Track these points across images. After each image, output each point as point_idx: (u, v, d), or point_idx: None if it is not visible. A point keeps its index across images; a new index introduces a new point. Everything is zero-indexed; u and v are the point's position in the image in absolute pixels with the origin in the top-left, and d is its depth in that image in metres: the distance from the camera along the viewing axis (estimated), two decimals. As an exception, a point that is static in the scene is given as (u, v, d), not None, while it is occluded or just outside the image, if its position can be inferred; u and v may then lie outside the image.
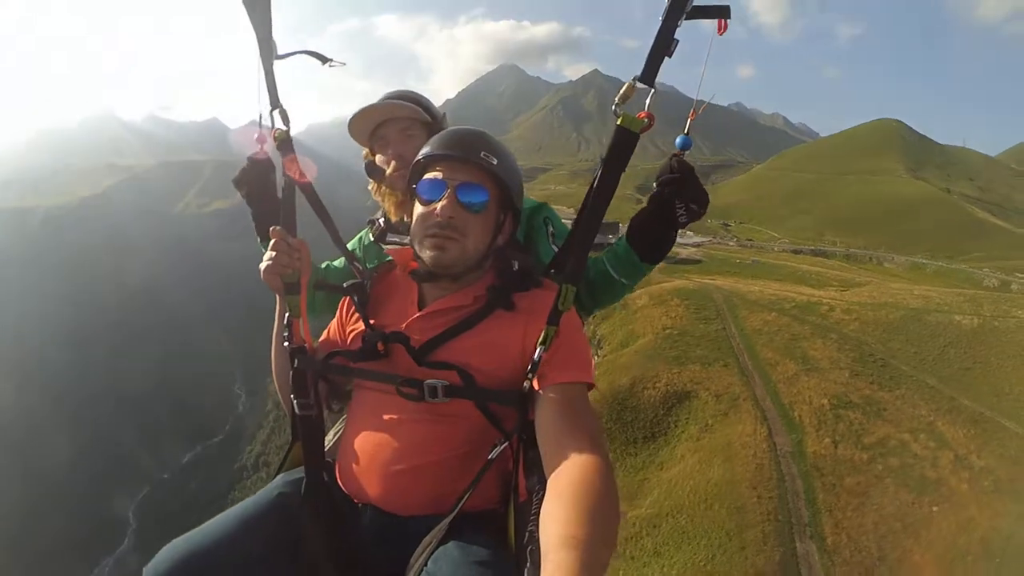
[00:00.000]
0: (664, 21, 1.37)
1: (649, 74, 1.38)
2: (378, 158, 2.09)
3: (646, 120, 1.41)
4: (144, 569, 1.37)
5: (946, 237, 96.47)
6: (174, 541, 1.42)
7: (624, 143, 1.42)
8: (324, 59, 1.77)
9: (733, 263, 52.04)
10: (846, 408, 22.00)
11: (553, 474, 1.20)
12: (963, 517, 16.72)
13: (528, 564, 1.25)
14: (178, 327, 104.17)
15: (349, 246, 2.17)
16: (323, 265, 2.17)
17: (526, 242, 2.00)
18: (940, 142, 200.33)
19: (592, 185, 1.48)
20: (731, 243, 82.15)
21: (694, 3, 1.35)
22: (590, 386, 1.42)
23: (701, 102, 1.54)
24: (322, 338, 1.72)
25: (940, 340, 26.48)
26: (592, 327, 37.43)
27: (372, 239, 2.15)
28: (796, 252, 78.40)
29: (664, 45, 1.37)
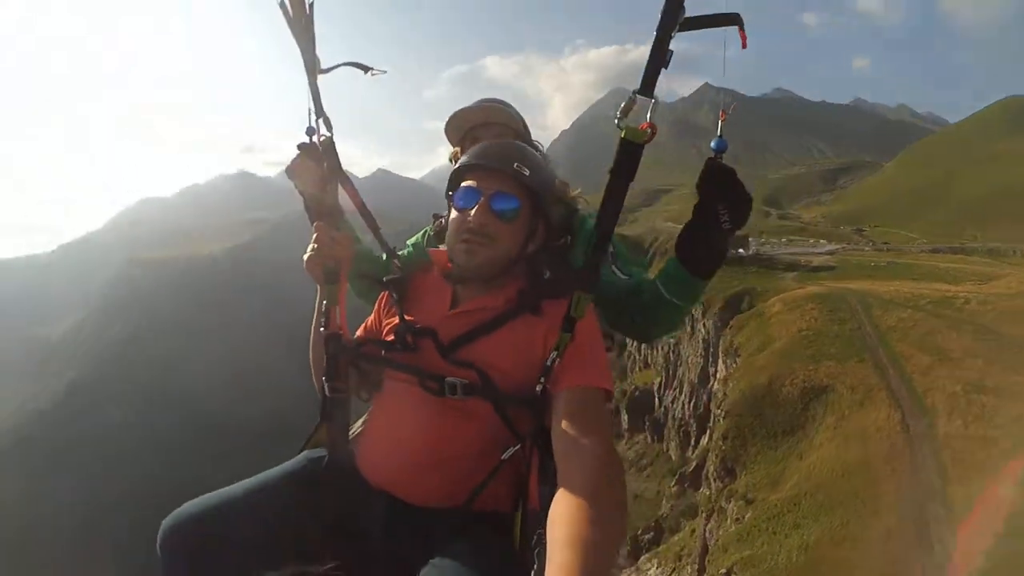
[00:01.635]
0: (657, 35, 1.47)
1: (647, 86, 1.49)
2: None
3: (648, 131, 1.50)
4: (163, 522, 1.51)
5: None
6: (194, 499, 1.56)
7: (629, 155, 1.51)
8: (366, 68, 1.97)
9: (868, 267, 52.06)
10: (979, 393, 23.29)
11: (562, 476, 1.23)
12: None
13: (535, 565, 1.36)
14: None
15: (412, 240, 2.34)
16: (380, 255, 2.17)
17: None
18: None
19: (603, 196, 1.58)
20: (866, 248, 79.79)
21: (686, 15, 1.45)
22: (606, 392, 1.47)
23: (730, 103, 1.64)
24: (358, 332, 1.85)
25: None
26: (729, 337, 40.13)
27: (433, 234, 2.27)
28: (935, 251, 75.06)
29: (659, 58, 1.47)
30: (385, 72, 1.91)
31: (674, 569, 28.95)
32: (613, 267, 1.95)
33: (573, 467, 1.22)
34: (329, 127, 1.79)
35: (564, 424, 1.35)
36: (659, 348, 59.61)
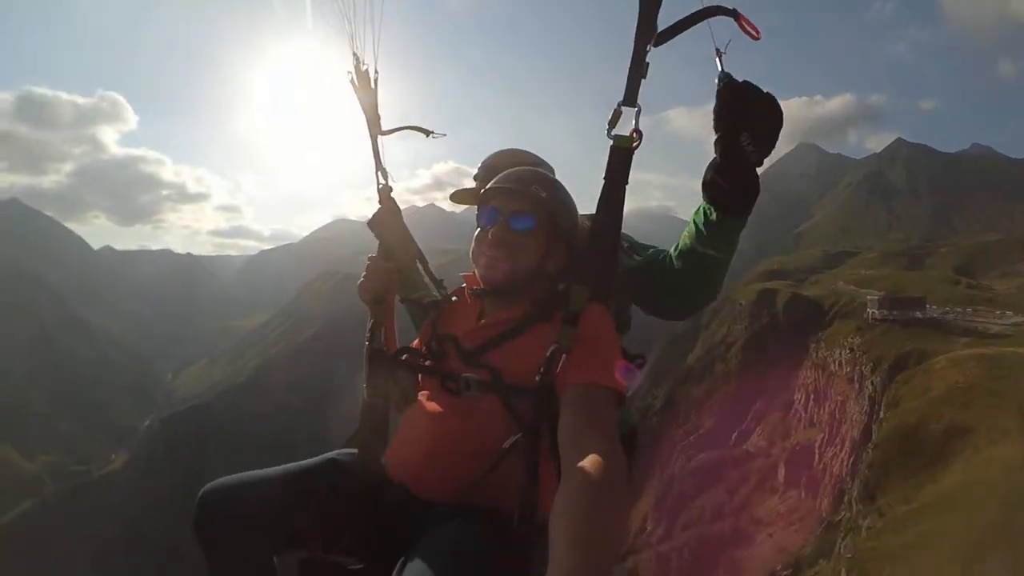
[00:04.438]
0: (635, 49, 1.62)
1: (630, 97, 1.64)
2: None
3: (635, 136, 1.66)
4: (204, 487, 1.76)
5: None
6: (235, 474, 1.80)
7: (620, 160, 1.68)
8: (426, 132, 2.27)
9: None
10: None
11: (564, 473, 1.27)
12: None
13: (537, 560, 1.39)
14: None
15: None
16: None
17: None
18: None
19: (599, 200, 1.72)
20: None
21: (659, 31, 1.60)
22: (613, 390, 1.52)
23: (726, 42, 1.56)
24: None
25: None
26: (893, 391, 43.71)
27: None
28: None
29: (638, 71, 1.63)
30: (444, 135, 2.36)
31: None
32: (633, 256, 2.10)
33: (575, 464, 1.25)
34: (386, 178, 2.21)
35: (569, 421, 1.42)
36: (824, 406, 62.27)
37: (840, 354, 60.92)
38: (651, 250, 2.09)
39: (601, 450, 1.26)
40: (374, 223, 2.19)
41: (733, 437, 74.27)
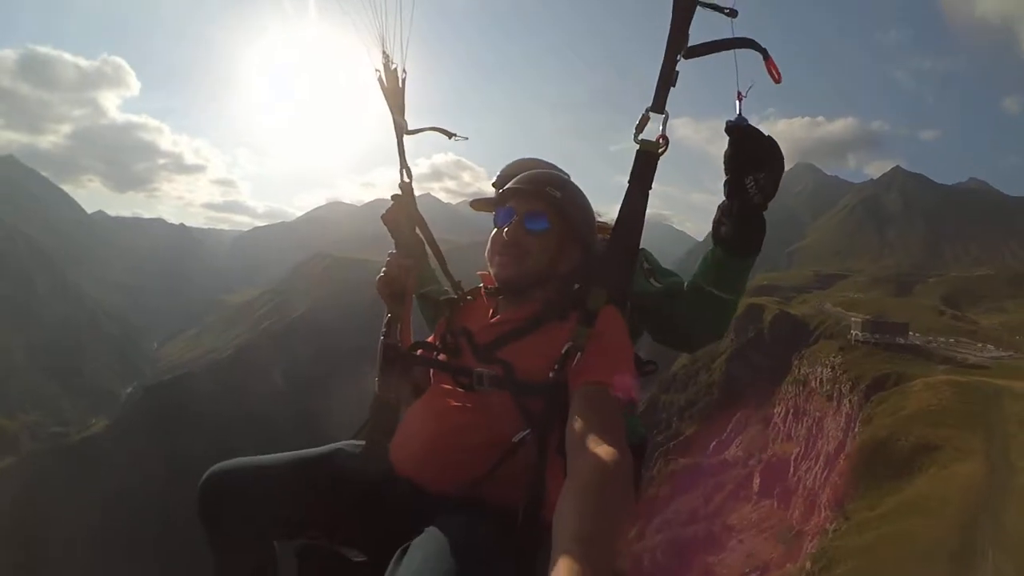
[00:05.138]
0: (665, 57, 1.66)
1: (659, 104, 1.68)
2: None
3: (662, 142, 1.69)
4: (211, 467, 1.78)
5: None
6: (242, 457, 1.83)
7: (646, 164, 1.71)
8: (449, 134, 2.30)
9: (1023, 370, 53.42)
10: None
11: (571, 471, 1.26)
12: None
13: (540, 559, 1.39)
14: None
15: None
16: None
17: None
18: None
19: (622, 203, 1.75)
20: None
21: (689, 44, 1.64)
22: (625, 392, 1.51)
23: (748, 86, 1.65)
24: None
25: None
26: (868, 410, 45.63)
27: None
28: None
29: (667, 79, 1.67)
30: (467, 139, 2.41)
31: None
32: (651, 279, 2.09)
33: (582, 463, 1.25)
34: (410, 176, 2.23)
35: (577, 420, 1.39)
36: (803, 421, 64.17)
37: (821, 372, 62.68)
38: (672, 279, 2.10)
39: (608, 450, 1.25)
40: (388, 218, 2.24)
41: (712, 446, 76.06)
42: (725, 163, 1.64)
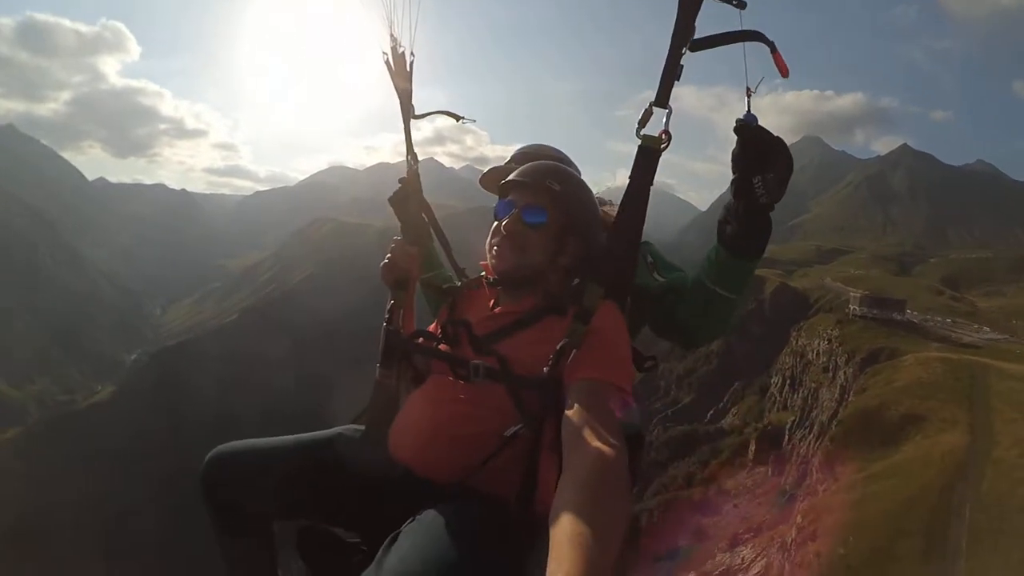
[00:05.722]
0: (670, 50, 1.63)
1: (662, 98, 1.67)
2: None
3: (664, 137, 1.68)
4: (215, 448, 1.84)
5: None
6: (244, 440, 1.89)
7: (647, 160, 1.71)
8: (457, 117, 2.29)
9: (1015, 353, 54.81)
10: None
11: (566, 466, 1.26)
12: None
13: (537, 556, 1.33)
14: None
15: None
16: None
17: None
18: None
19: (622, 198, 1.76)
20: (1031, 345, 77.97)
21: (695, 37, 1.60)
22: (620, 389, 1.53)
23: (758, 81, 1.62)
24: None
25: None
26: (862, 381, 47.53)
27: None
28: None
29: (671, 72, 1.65)
30: (475, 121, 2.40)
31: (767, 543, 38.47)
32: (654, 274, 2.04)
33: (577, 458, 1.25)
34: (416, 161, 2.27)
35: (573, 415, 1.40)
36: (799, 391, 66.10)
37: (818, 344, 64.51)
38: (675, 274, 2.07)
39: (603, 445, 1.26)
40: (395, 200, 2.27)
41: (709, 415, 78.38)
42: (733, 162, 1.63)
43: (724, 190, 1.84)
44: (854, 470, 33.82)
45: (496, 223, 1.94)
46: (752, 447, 64.23)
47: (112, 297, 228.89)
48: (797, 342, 70.51)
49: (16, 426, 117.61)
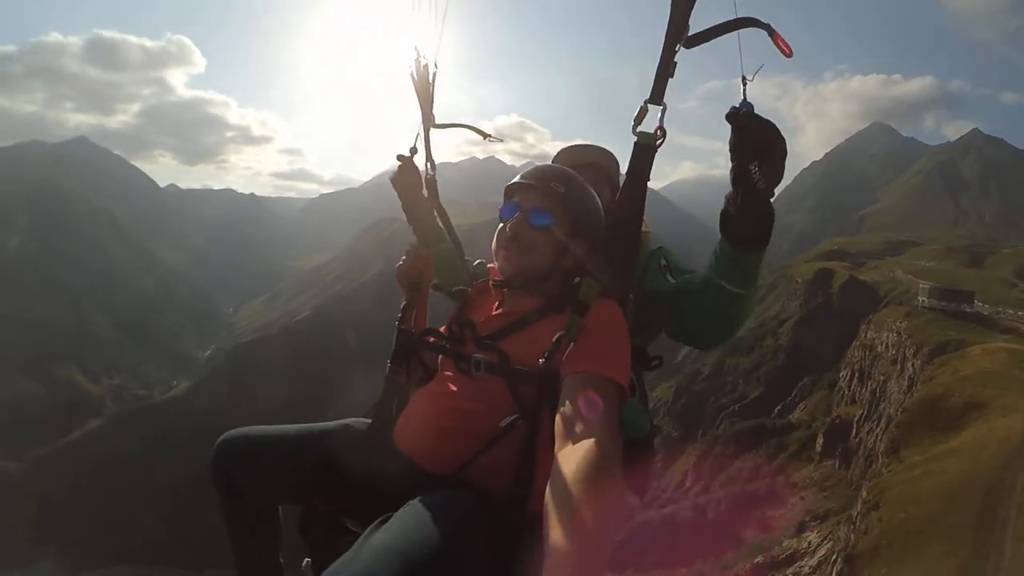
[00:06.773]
0: (664, 48, 1.65)
1: (657, 95, 1.71)
2: None
3: (659, 134, 1.73)
4: (226, 432, 1.91)
5: None
6: (255, 426, 1.98)
7: (643, 157, 1.78)
8: (484, 134, 2.39)
9: None
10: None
11: (558, 459, 1.28)
12: None
13: (530, 548, 1.43)
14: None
15: None
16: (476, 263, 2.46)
17: (641, 278, 2.26)
18: None
19: (618, 196, 1.85)
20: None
21: (690, 32, 1.62)
22: (615, 383, 1.57)
23: (757, 68, 1.63)
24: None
25: None
26: (929, 372, 49.06)
27: None
28: None
29: (666, 69, 1.69)
30: (502, 140, 2.58)
31: (834, 527, 41.03)
32: (667, 276, 2.11)
33: (570, 451, 1.27)
34: (434, 168, 2.39)
35: (567, 408, 1.45)
36: (867, 384, 66.78)
37: (887, 337, 65.18)
38: (688, 275, 2.11)
39: (594, 437, 1.28)
40: (397, 182, 2.50)
41: (777, 409, 78.91)
42: (730, 151, 1.64)
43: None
44: (917, 453, 36.18)
45: (501, 225, 1.99)
46: (820, 441, 65.42)
47: (185, 297, 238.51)
48: (866, 335, 70.77)
49: (96, 419, 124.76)
